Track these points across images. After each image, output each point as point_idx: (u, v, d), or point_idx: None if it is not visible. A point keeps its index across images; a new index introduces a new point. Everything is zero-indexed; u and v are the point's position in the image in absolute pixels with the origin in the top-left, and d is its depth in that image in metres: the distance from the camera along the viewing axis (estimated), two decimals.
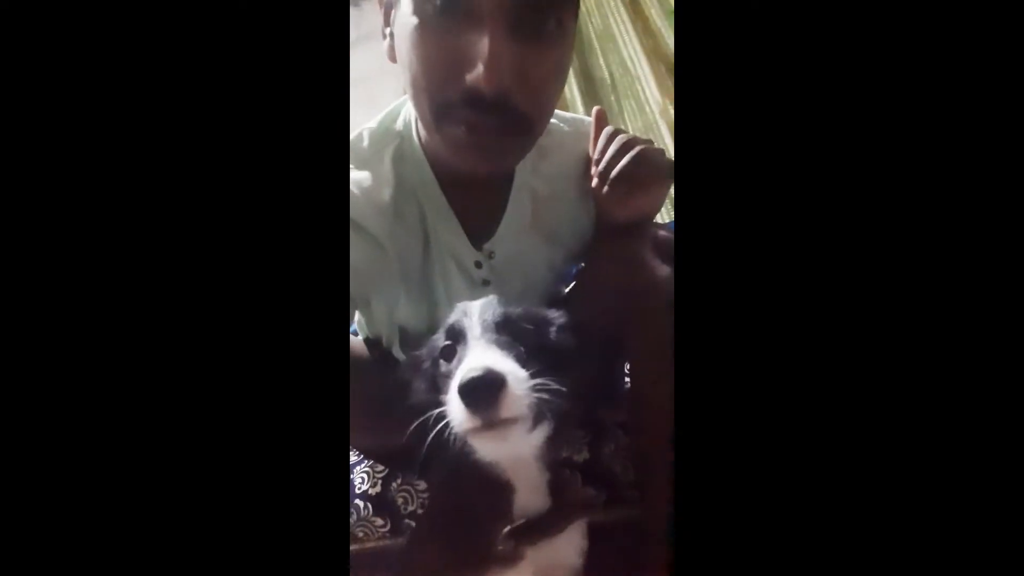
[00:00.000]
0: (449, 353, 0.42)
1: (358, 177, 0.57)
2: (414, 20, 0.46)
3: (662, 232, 0.59)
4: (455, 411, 0.35)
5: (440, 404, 0.38)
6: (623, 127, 1.34)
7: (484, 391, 0.34)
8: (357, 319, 0.67)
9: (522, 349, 0.40)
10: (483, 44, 0.44)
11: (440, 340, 0.43)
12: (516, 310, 0.44)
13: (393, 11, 0.50)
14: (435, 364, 0.43)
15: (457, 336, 0.42)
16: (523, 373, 0.36)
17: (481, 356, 0.37)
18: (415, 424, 0.39)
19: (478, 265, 0.60)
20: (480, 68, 0.44)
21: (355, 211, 0.55)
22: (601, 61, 1.34)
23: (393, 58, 0.51)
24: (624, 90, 1.33)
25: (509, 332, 0.41)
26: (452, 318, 0.44)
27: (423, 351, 0.46)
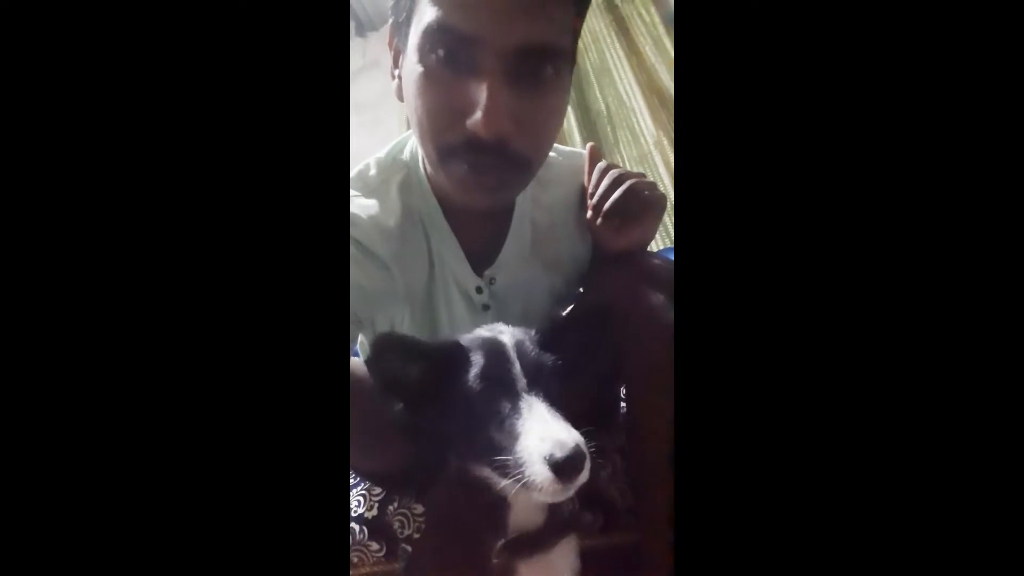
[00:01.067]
0: (492, 398, 0.42)
1: (365, 204, 0.60)
2: (419, 68, 0.49)
3: (656, 260, 0.61)
4: (540, 474, 0.38)
5: (497, 448, 0.40)
6: (619, 157, 1.38)
7: (573, 465, 0.38)
8: (360, 341, 0.69)
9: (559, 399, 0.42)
10: (482, 92, 0.47)
11: (475, 380, 0.42)
12: (545, 358, 0.44)
13: (401, 56, 0.53)
14: (471, 402, 0.42)
15: (500, 382, 0.42)
16: (582, 439, 0.39)
17: (555, 427, 0.39)
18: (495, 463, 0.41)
19: (479, 290, 0.62)
20: (479, 115, 0.47)
21: (362, 236, 0.58)
22: (598, 94, 1.38)
23: (401, 98, 0.54)
24: (620, 121, 1.37)
25: (547, 383, 0.43)
26: (481, 359, 0.43)
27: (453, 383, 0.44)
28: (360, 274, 0.57)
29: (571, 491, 0.39)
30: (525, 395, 0.41)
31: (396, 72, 0.55)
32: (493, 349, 0.44)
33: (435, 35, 0.47)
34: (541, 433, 0.39)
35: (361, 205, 0.60)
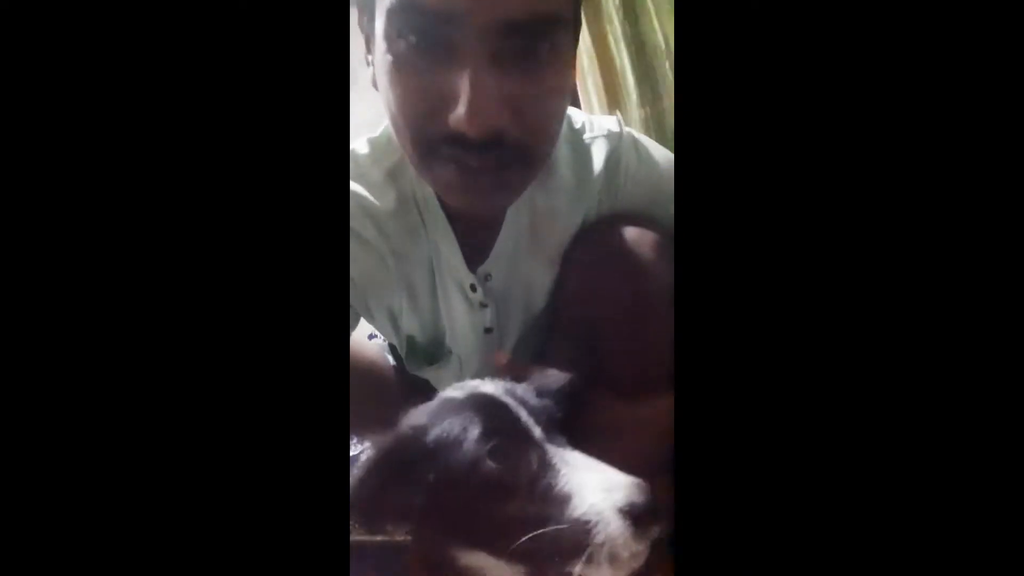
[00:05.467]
0: (506, 460, 0.34)
1: (354, 188, 0.56)
2: (388, 57, 0.42)
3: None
4: (621, 532, 0.31)
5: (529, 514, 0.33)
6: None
7: (654, 512, 0.32)
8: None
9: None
10: (463, 82, 0.40)
11: (472, 438, 0.35)
12: (546, 397, 0.39)
13: (371, 41, 0.46)
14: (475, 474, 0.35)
15: (509, 433, 0.35)
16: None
17: (613, 474, 0.33)
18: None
19: (473, 288, 0.58)
20: (462, 110, 0.40)
21: (358, 222, 0.54)
22: (655, 23, 1.25)
23: (376, 86, 0.47)
24: None
25: (564, 423, 0.37)
26: (475, 416, 0.36)
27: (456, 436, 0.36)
28: (361, 262, 0.54)
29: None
30: (548, 446, 0.35)
31: (369, 58, 0.48)
32: (483, 403, 0.36)
33: (401, 16, 0.40)
34: (602, 484, 0.32)
35: (358, 190, 0.55)
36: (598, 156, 0.60)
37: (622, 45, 1.29)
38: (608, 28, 1.28)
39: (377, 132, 0.58)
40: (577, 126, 0.61)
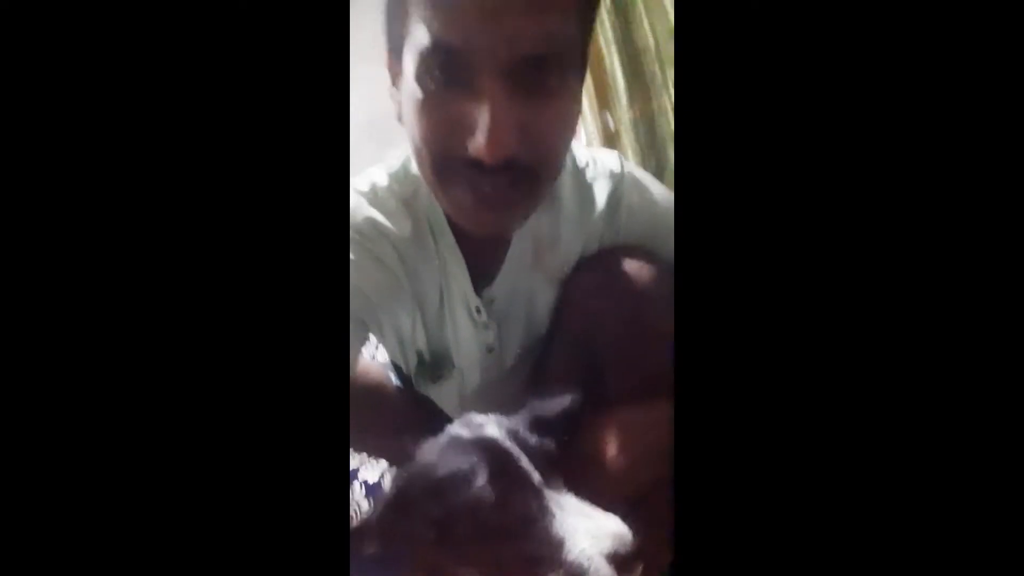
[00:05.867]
0: (507, 504, 0.37)
1: (380, 215, 0.59)
2: (419, 94, 0.46)
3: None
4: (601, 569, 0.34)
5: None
6: (667, 97, 1.25)
7: (636, 558, 0.36)
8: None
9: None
10: (483, 113, 0.44)
11: (478, 482, 0.37)
12: (545, 437, 0.41)
13: (399, 79, 0.50)
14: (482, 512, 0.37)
15: (512, 478, 0.38)
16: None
17: (603, 521, 0.36)
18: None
19: (479, 310, 0.62)
20: (481, 139, 0.44)
21: (376, 246, 0.58)
22: (647, 26, 1.25)
23: (401, 120, 0.52)
24: (667, 58, 1.23)
25: (562, 469, 0.40)
26: (479, 461, 0.38)
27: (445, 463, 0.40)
28: (366, 283, 0.57)
29: None
30: (546, 491, 0.38)
31: (394, 92, 0.52)
32: (488, 447, 0.39)
33: (430, 57, 0.44)
34: (591, 530, 0.36)
35: (373, 214, 0.59)
36: (600, 194, 0.64)
37: (613, 48, 1.30)
38: (599, 30, 1.29)
39: (397, 165, 0.62)
40: (581, 164, 0.66)
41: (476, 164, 0.46)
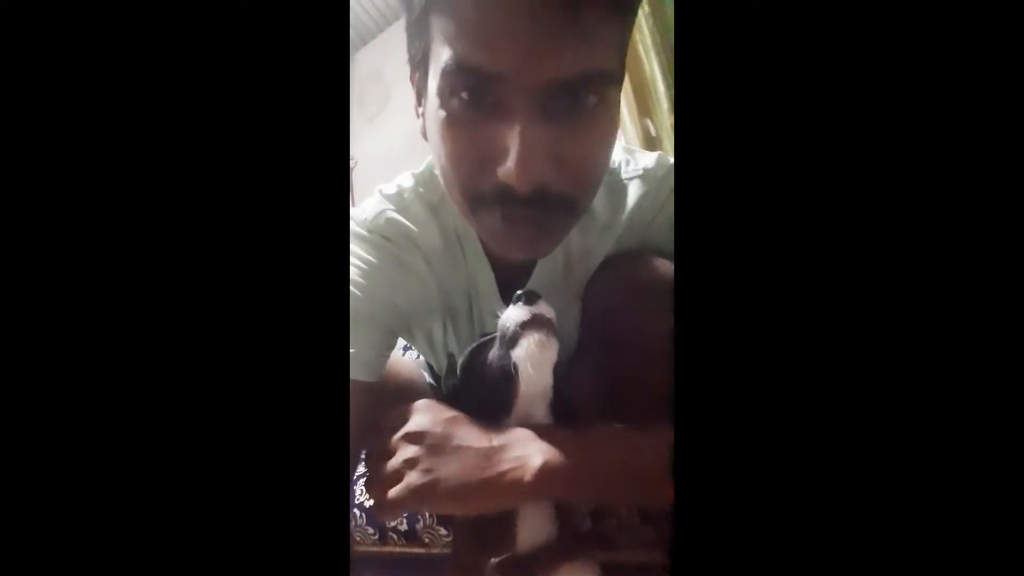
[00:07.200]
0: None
1: (407, 220, 0.59)
2: (442, 113, 0.44)
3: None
4: (516, 315, 0.46)
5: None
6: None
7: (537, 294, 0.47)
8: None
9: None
10: (514, 137, 0.41)
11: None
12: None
13: (423, 96, 0.48)
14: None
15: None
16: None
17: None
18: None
19: None
20: (511, 165, 0.41)
21: (409, 254, 0.58)
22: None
23: (426, 137, 0.50)
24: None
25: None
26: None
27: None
28: (396, 293, 0.58)
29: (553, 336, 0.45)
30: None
31: (419, 110, 0.51)
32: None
33: (455, 77, 0.42)
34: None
35: (402, 222, 0.59)
36: (632, 194, 0.61)
37: (652, 54, 1.29)
38: (638, 36, 1.28)
39: (422, 168, 0.61)
40: (615, 165, 0.62)
41: (506, 191, 0.44)
